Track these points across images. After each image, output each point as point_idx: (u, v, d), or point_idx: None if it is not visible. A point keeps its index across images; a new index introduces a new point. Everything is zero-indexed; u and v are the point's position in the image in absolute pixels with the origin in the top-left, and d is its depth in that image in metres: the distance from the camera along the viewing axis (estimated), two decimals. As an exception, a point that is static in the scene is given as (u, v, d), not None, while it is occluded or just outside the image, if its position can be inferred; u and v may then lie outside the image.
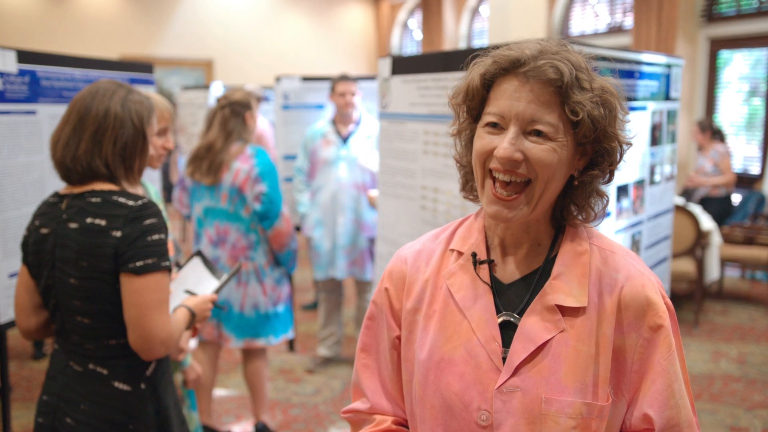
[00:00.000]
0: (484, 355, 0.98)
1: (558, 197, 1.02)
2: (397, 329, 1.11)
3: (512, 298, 1.02)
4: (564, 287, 0.98)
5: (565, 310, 0.97)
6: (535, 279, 1.01)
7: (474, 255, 1.05)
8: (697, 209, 5.25)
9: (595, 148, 0.98)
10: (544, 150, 0.94)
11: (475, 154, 0.99)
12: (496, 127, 0.96)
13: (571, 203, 1.02)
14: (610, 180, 1.03)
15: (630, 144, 1.01)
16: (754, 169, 6.68)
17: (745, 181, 6.66)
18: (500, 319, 1.00)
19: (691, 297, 5.32)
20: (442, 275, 1.07)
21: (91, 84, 1.65)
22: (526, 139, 0.94)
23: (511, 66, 0.95)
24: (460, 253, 1.07)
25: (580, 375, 0.95)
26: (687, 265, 5.03)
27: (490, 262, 1.04)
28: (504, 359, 0.97)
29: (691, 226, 4.96)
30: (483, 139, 0.98)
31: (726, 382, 4.02)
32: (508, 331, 0.99)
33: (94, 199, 1.56)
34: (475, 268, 1.04)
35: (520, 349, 0.97)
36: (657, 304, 0.98)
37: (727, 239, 5.75)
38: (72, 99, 1.64)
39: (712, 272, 5.25)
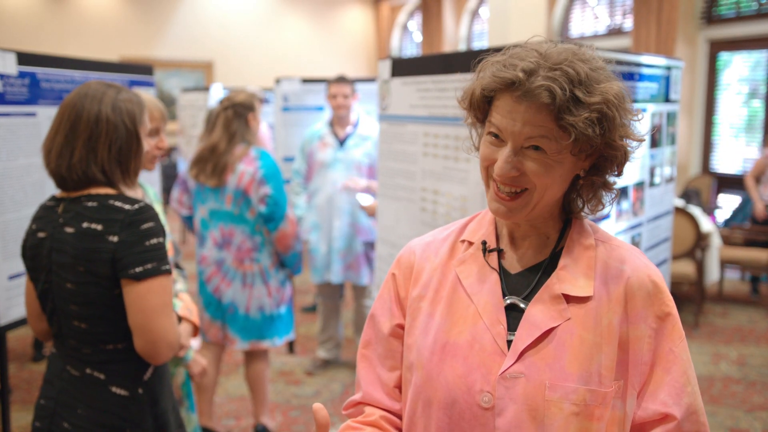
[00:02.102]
0: (489, 338, 1.00)
1: (565, 193, 1.04)
2: (400, 317, 1.13)
3: (519, 285, 1.04)
4: (570, 277, 1.00)
5: (570, 300, 0.99)
6: (542, 269, 1.04)
7: (484, 243, 1.08)
8: (697, 211, 5.25)
9: (600, 154, 0.99)
10: (540, 164, 0.96)
11: (480, 159, 1.03)
12: (498, 138, 0.99)
13: (578, 197, 1.05)
14: (619, 174, 1.04)
15: (641, 140, 1.01)
16: (754, 171, 6.68)
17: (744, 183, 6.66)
18: (506, 303, 1.02)
19: (691, 299, 5.31)
20: (451, 263, 1.09)
21: (79, 87, 1.60)
22: (524, 154, 0.97)
23: (505, 87, 0.96)
24: (470, 244, 1.10)
25: (585, 363, 0.96)
26: (687, 267, 5.03)
27: (500, 251, 1.08)
28: (509, 343, 0.99)
29: (690, 227, 4.96)
30: (486, 148, 1.01)
31: (726, 384, 4.02)
32: (514, 314, 1.01)
33: (90, 204, 1.54)
34: (484, 256, 1.07)
35: (525, 335, 0.98)
36: (663, 292, 1.00)
37: (727, 241, 5.75)
38: (61, 103, 1.59)
39: (712, 274, 5.25)
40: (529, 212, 1.00)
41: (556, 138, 0.95)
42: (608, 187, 1.04)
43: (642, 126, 1.03)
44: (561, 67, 0.94)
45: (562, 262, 1.02)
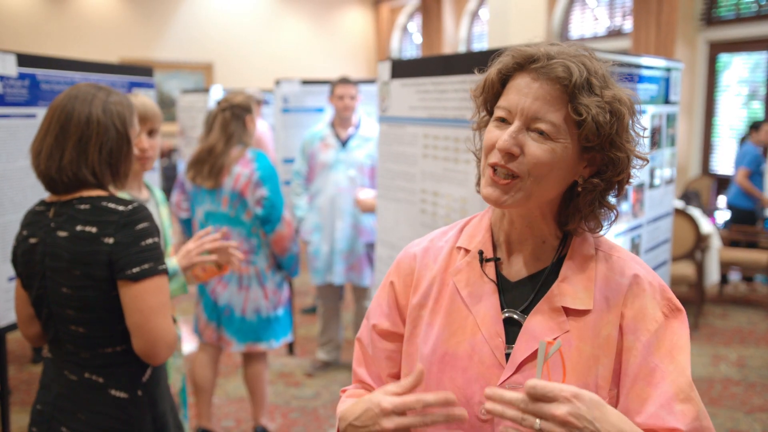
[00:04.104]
0: (487, 351, 1.00)
1: (562, 202, 1.03)
2: (399, 325, 1.13)
3: (517, 296, 1.03)
4: (570, 290, 1.00)
5: (570, 312, 0.99)
6: (542, 279, 1.03)
7: (480, 253, 1.06)
8: (696, 213, 5.25)
9: (602, 157, 0.98)
10: (542, 149, 0.95)
11: (483, 147, 1.02)
12: (504, 122, 0.98)
13: (575, 211, 1.02)
14: (619, 193, 1.03)
15: (644, 159, 1.01)
16: (754, 173, 6.68)
17: (744, 185, 6.66)
18: (504, 316, 1.02)
19: (690, 300, 5.31)
20: (449, 272, 1.08)
21: (69, 88, 1.59)
22: (528, 135, 0.96)
23: (525, 62, 0.97)
24: (467, 251, 1.09)
25: (583, 375, 0.96)
26: (686, 269, 5.03)
27: (497, 260, 1.06)
28: (507, 356, 0.99)
29: (690, 229, 4.96)
30: (490, 133, 1.00)
31: (726, 385, 4.02)
32: (512, 327, 1.01)
33: (82, 206, 1.52)
34: (481, 266, 1.06)
35: (524, 347, 0.98)
36: (655, 307, 0.99)
37: (727, 243, 5.75)
38: (50, 105, 1.58)
39: (712, 275, 5.25)
40: (522, 201, 0.98)
41: (564, 120, 0.95)
42: (608, 206, 1.02)
43: (646, 144, 1.03)
44: (579, 57, 0.97)
45: (563, 273, 1.01)
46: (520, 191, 0.97)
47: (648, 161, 1.02)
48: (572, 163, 0.98)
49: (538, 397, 0.83)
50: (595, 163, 0.99)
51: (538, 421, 0.83)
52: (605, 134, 0.95)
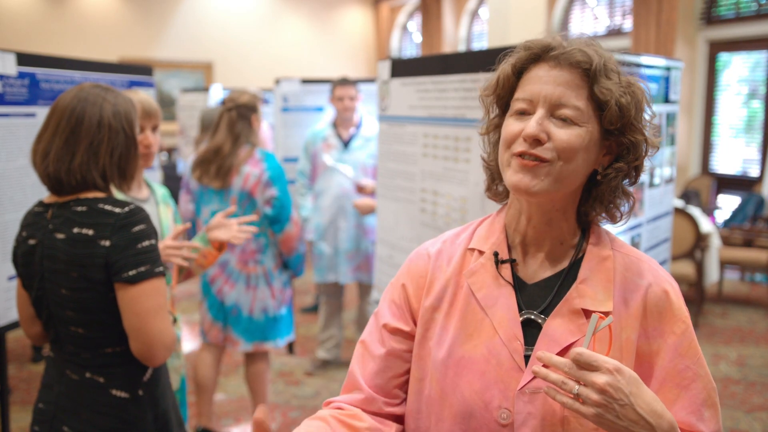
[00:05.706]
0: (506, 354, 0.98)
1: (583, 194, 1.03)
2: (412, 325, 1.10)
3: (535, 298, 1.02)
4: (590, 292, 0.99)
5: (589, 314, 0.98)
6: (560, 281, 1.01)
7: (496, 254, 1.05)
8: (696, 212, 5.25)
9: (620, 142, 0.99)
10: (568, 133, 0.95)
11: (502, 140, 1.00)
12: (524, 114, 0.98)
13: (596, 201, 1.02)
14: (635, 180, 1.03)
15: (656, 147, 1.01)
16: (754, 172, 6.69)
17: (744, 184, 6.67)
18: (522, 318, 1.00)
19: (690, 299, 5.31)
20: (463, 274, 1.07)
21: (74, 90, 1.58)
22: (552, 122, 0.96)
23: (543, 51, 0.98)
24: (480, 252, 1.07)
25: None
26: (686, 268, 5.03)
27: (512, 261, 1.05)
28: (526, 358, 0.98)
29: (690, 228, 4.96)
30: (510, 126, 0.99)
31: (725, 384, 4.02)
32: (530, 329, 1.00)
33: (79, 208, 1.52)
34: (497, 267, 1.04)
35: (543, 350, 0.97)
36: (680, 308, 1.00)
37: (727, 242, 5.75)
38: (55, 105, 1.56)
39: (712, 275, 5.25)
40: (550, 188, 0.96)
41: (587, 103, 0.95)
42: (626, 193, 1.03)
43: (657, 132, 1.04)
44: (592, 46, 0.98)
45: (581, 274, 1.00)
46: (549, 176, 0.95)
47: (658, 148, 1.02)
48: (596, 148, 0.98)
49: (582, 365, 0.86)
50: (613, 152, 1.00)
51: (577, 386, 0.86)
52: (627, 116, 0.96)
